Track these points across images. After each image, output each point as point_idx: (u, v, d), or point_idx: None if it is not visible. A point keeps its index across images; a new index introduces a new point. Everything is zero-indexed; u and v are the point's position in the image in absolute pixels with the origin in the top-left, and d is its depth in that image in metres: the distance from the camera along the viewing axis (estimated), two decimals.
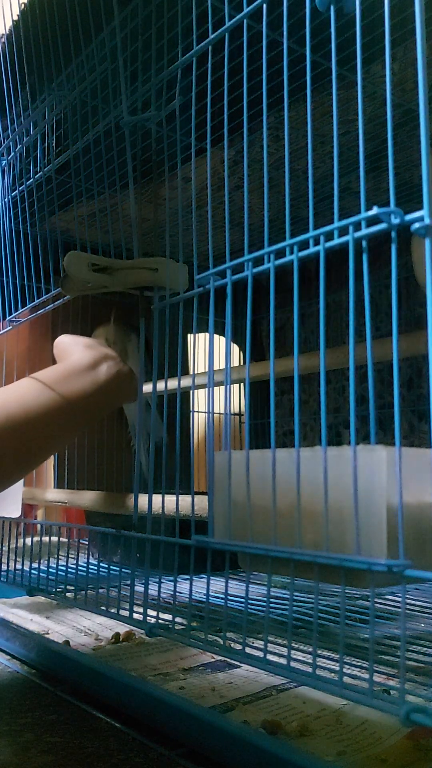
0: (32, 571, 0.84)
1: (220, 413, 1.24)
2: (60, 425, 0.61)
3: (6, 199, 0.94)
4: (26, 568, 0.87)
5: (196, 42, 0.58)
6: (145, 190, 0.65)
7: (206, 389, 1.03)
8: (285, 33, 0.50)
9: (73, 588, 0.81)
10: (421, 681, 0.54)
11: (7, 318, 0.93)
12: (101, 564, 1.05)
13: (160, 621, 0.60)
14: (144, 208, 0.66)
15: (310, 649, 0.46)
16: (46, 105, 0.83)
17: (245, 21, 0.54)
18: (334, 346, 0.90)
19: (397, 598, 0.87)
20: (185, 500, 0.59)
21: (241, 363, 1.56)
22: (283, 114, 0.49)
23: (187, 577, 0.56)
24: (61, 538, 1.27)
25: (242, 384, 1.34)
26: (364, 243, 0.42)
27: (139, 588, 0.69)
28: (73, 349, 0.68)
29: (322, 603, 0.76)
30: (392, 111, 0.41)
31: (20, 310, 0.89)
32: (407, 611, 0.78)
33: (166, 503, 0.61)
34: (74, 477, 1.37)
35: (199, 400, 1.45)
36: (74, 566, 1.02)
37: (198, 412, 1.46)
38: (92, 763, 0.44)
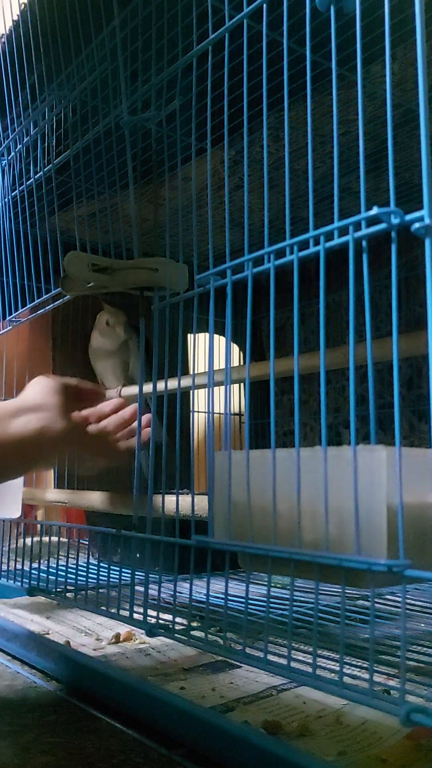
0: (32, 571, 0.84)
1: (220, 413, 1.24)
2: None
3: (6, 199, 0.94)
4: (26, 568, 0.87)
5: (196, 42, 0.58)
6: (145, 190, 0.65)
7: (206, 389, 1.03)
8: (285, 33, 0.50)
9: (73, 588, 0.81)
10: (421, 681, 0.54)
11: (7, 318, 0.93)
12: (101, 564, 1.05)
13: (160, 621, 0.60)
14: (144, 208, 0.66)
15: (310, 649, 0.46)
16: (46, 105, 0.83)
17: (245, 21, 0.54)
18: (334, 346, 0.90)
19: (397, 598, 0.87)
20: (185, 500, 0.59)
21: (241, 363, 1.56)
22: (283, 114, 0.49)
23: (187, 577, 0.56)
24: (61, 538, 1.27)
25: (242, 384, 1.34)
26: (364, 243, 0.42)
27: (139, 588, 0.69)
28: (25, 391, 0.64)
29: (322, 603, 0.76)
30: (392, 111, 0.41)
31: (20, 310, 0.89)
32: (407, 611, 0.78)
33: (166, 503, 0.61)
34: (74, 477, 1.37)
35: (199, 400, 1.44)
36: (74, 566, 1.02)
37: (198, 412, 1.46)
38: (92, 763, 0.44)
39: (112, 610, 0.66)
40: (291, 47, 0.52)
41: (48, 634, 0.73)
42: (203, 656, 0.65)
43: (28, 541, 1.09)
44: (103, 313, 1.35)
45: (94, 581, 0.92)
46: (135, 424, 0.67)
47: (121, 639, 0.71)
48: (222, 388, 0.59)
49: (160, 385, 0.92)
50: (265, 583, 0.48)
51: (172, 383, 1.00)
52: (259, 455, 0.49)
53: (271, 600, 0.72)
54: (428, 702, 0.42)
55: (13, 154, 0.92)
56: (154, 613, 0.64)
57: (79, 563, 1.09)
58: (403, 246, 0.40)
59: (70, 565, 1.02)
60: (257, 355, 1.55)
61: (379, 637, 0.67)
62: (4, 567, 0.92)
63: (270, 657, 0.47)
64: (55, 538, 1.22)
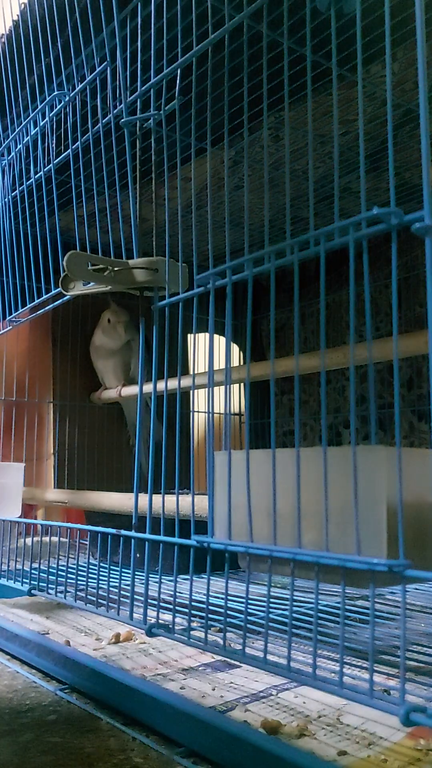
0: (32, 571, 0.84)
1: (220, 413, 1.24)
2: None
3: (6, 199, 0.93)
4: (26, 568, 0.87)
5: (196, 42, 0.58)
6: (145, 190, 0.65)
7: (206, 389, 1.03)
8: (285, 33, 0.50)
9: (73, 588, 0.81)
10: (421, 681, 0.54)
11: (7, 318, 0.93)
12: (101, 564, 1.05)
13: (160, 621, 0.60)
14: (144, 208, 0.66)
15: (310, 649, 0.46)
16: (46, 104, 0.83)
17: (245, 21, 0.54)
18: (334, 346, 0.90)
19: (396, 598, 0.87)
20: (185, 500, 0.59)
21: (241, 363, 1.56)
22: (283, 114, 0.49)
23: (187, 577, 0.56)
24: (61, 538, 1.27)
25: (242, 384, 1.34)
26: (364, 243, 0.42)
27: (139, 588, 0.69)
28: None
29: (322, 603, 0.76)
30: (392, 111, 0.41)
31: (20, 310, 0.89)
32: (407, 611, 0.78)
33: (166, 503, 0.61)
34: (74, 477, 1.37)
35: (199, 400, 1.45)
36: (74, 566, 1.02)
37: (198, 412, 1.46)
38: (92, 763, 0.44)
39: (112, 610, 0.66)
40: (291, 47, 0.52)
41: (48, 634, 0.73)
42: (203, 656, 0.65)
43: (28, 541, 1.09)
44: (107, 311, 1.36)
45: (94, 581, 0.92)
46: None
47: (121, 639, 0.71)
48: (222, 388, 0.59)
49: (160, 385, 0.92)
50: (265, 583, 0.48)
51: (172, 383, 1.00)
52: (259, 455, 0.49)
53: (271, 600, 0.72)
54: (428, 702, 0.42)
55: (13, 154, 0.92)
56: (154, 613, 0.64)
57: (79, 563, 1.09)
58: (403, 246, 0.40)
59: (70, 565, 1.02)
60: (257, 355, 1.55)
61: (379, 637, 0.67)
62: (4, 567, 0.92)
63: (270, 657, 0.47)
64: (55, 538, 1.22)
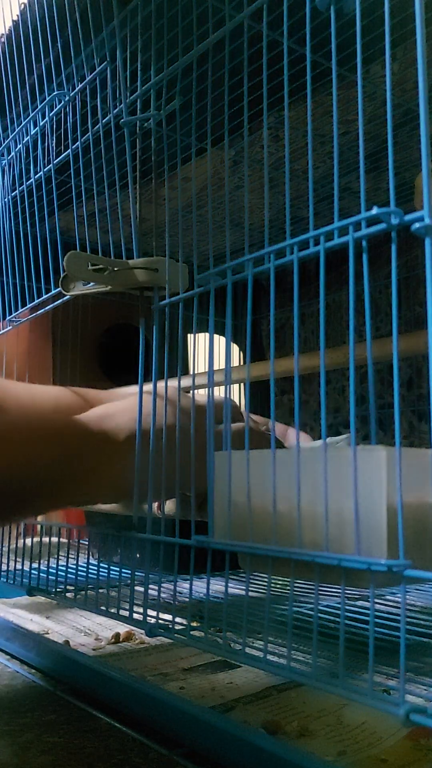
0: (32, 571, 0.84)
1: None
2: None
3: (6, 199, 0.93)
4: (26, 568, 0.87)
5: (196, 42, 0.58)
6: (145, 190, 0.65)
7: (206, 389, 1.03)
8: (285, 33, 0.50)
9: (73, 588, 0.81)
10: (421, 681, 0.54)
11: (7, 318, 0.93)
12: (101, 564, 1.05)
13: (160, 621, 0.60)
14: (144, 208, 0.66)
15: (310, 649, 0.46)
16: (46, 104, 0.83)
17: (245, 21, 0.54)
18: (334, 346, 0.90)
19: (396, 599, 0.86)
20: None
21: (241, 363, 1.56)
22: (283, 114, 0.49)
23: (187, 577, 0.56)
24: (61, 538, 1.27)
25: (242, 384, 1.34)
26: (364, 243, 0.42)
27: (139, 588, 0.69)
28: None
29: (322, 603, 0.76)
30: (392, 111, 0.41)
31: (20, 310, 0.89)
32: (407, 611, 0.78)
33: (166, 503, 0.61)
34: None
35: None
36: (74, 566, 1.02)
37: None
38: (92, 763, 0.44)
39: (112, 610, 0.66)
40: (291, 47, 0.52)
41: (47, 633, 0.73)
42: (203, 656, 0.65)
43: (28, 541, 1.09)
44: None
45: (94, 581, 0.92)
46: None
47: (120, 639, 0.71)
48: (222, 388, 0.59)
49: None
50: (265, 583, 0.47)
51: (172, 383, 1.00)
52: (259, 455, 0.49)
53: (271, 600, 0.72)
54: (428, 702, 0.42)
55: (13, 154, 0.92)
56: (154, 613, 0.64)
57: (79, 563, 1.09)
58: (403, 246, 0.40)
59: (70, 565, 1.02)
60: (257, 355, 1.55)
61: (379, 638, 0.67)
62: (4, 567, 0.92)
63: (270, 657, 0.47)
64: (55, 538, 1.22)
